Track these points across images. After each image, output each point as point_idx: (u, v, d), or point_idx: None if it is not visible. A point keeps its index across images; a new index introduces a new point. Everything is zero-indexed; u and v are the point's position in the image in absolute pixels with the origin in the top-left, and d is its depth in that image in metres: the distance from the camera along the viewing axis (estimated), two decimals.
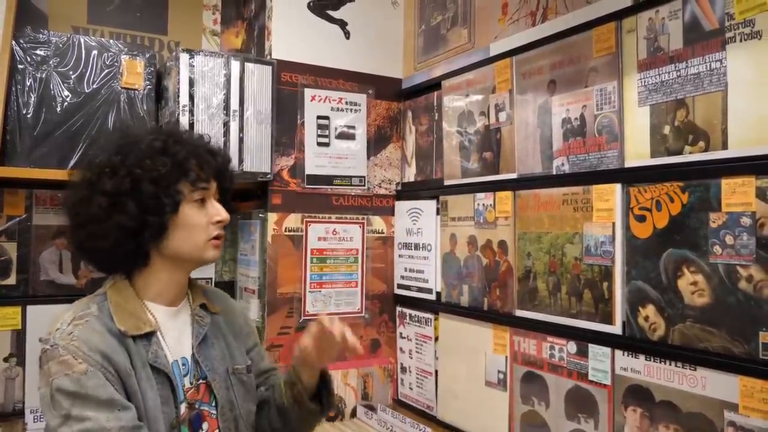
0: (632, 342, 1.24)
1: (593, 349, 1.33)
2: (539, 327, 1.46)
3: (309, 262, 1.88)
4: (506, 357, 1.56)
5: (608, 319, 1.29)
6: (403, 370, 1.99)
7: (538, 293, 1.46)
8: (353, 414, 1.95)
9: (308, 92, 1.90)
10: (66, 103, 1.58)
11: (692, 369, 1.13)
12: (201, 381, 1.12)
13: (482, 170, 1.67)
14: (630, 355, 1.25)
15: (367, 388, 1.98)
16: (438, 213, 1.83)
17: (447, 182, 1.81)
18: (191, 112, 1.64)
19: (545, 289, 1.44)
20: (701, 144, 1.13)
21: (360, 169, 1.98)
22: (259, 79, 1.76)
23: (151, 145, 1.06)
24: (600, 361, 1.31)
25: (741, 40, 1.07)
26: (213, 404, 1.12)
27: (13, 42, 1.53)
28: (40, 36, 1.58)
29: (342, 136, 1.95)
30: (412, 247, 1.95)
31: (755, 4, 1.04)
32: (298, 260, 1.87)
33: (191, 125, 1.63)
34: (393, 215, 2.04)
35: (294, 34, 1.89)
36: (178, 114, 1.62)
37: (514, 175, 1.56)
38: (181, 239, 1.07)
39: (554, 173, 1.44)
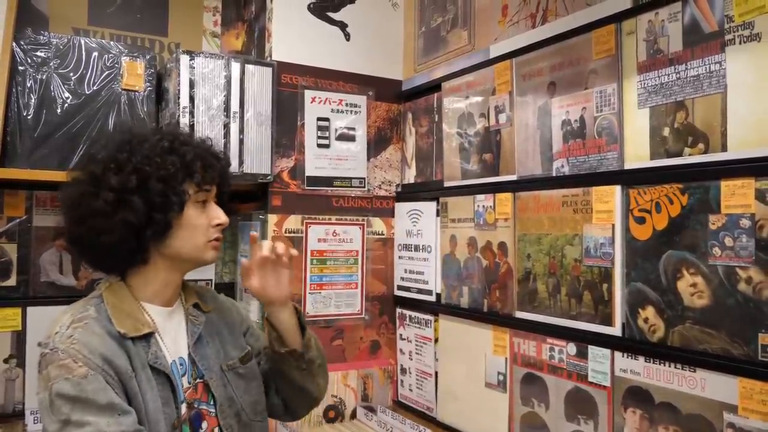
0: (632, 343, 1.24)
1: (593, 350, 1.33)
2: (539, 328, 1.46)
3: (309, 263, 1.89)
4: (506, 358, 1.57)
5: (608, 321, 1.29)
6: (403, 371, 2.00)
7: (538, 295, 1.46)
8: (353, 415, 1.95)
9: (308, 94, 1.90)
10: (66, 105, 1.59)
11: (692, 370, 1.13)
12: (198, 380, 1.12)
13: (482, 172, 1.67)
14: (629, 357, 1.25)
15: (367, 390, 1.98)
16: (438, 214, 1.84)
17: (447, 184, 1.81)
18: (191, 113, 1.64)
19: (545, 290, 1.44)
20: (701, 146, 1.13)
21: (360, 171, 1.98)
22: (260, 80, 1.76)
23: (158, 144, 1.06)
24: (600, 362, 1.31)
25: (740, 43, 1.07)
26: (211, 403, 1.12)
27: (14, 43, 1.53)
28: (41, 37, 1.58)
29: (342, 137, 1.95)
30: (412, 249, 1.95)
31: (754, 6, 1.04)
32: (298, 261, 1.87)
33: (191, 127, 1.63)
34: (393, 217, 2.04)
35: (294, 36, 1.90)
36: (179, 115, 1.62)
37: (513, 177, 1.56)
38: (183, 239, 1.08)
39: (554, 175, 1.44)
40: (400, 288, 2.01)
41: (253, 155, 1.75)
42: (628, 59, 1.28)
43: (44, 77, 1.57)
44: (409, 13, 2.07)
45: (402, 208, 2.02)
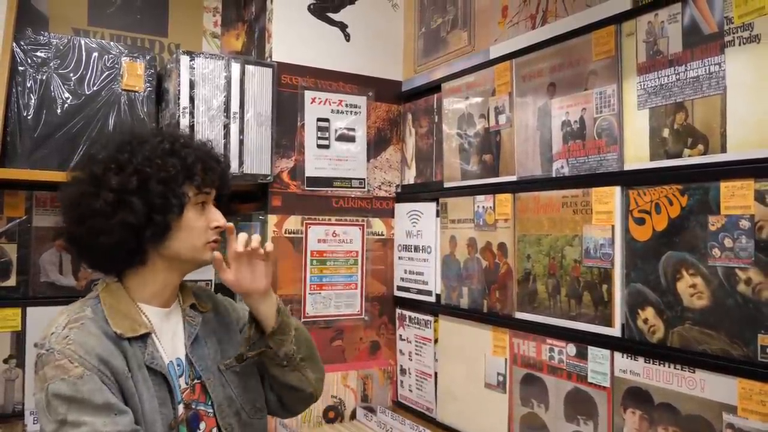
0: (631, 344, 1.24)
1: (592, 351, 1.33)
2: (539, 329, 1.46)
3: (309, 264, 1.89)
4: (506, 359, 1.57)
5: (607, 322, 1.29)
6: (403, 372, 2.00)
7: (538, 295, 1.46)
8: (353, 416, 1.95)
9: (308, 94, 1.90)
10: (66, 105, 1.58)
11: (691, 371, 1.13)
12: (196, 381, 1.12)
13: (482, 172, 1.67)
14: (629, 358, 1.25)
15: (367, 390, 1.98)
16: (438, 215, 1.84)
17: (447, 184, 1.81)
18: (192, 114, 1.64)
19: (545, 291, 1.44)
20: (700, 147, 1.13)
21: (360, 172, 1.98)
22: (260, 81, 1.76)
23: (160, 145, 1.06)
24: (599, 363, 1.31)
25: (740, 44, 1.07)
26: (209, 403, 1.12)
27: (14, 44, 1.53)
28: (41, 38, 1.58)
29: (342, 138, 1.96)
30: (412, 249, 1.95)
31: (754, 8, 1.04)
32: (298, 262, 1.87)
33: (192, 127, 1.63)
34: (393, 217, 2.04)
35: (294, 37, 1.90)
36: (179, 116, 1.62)
37: (513, 178, 1.56)
38: (181, 241, 1.08)
39: (554, 176, 1.44)
40: (399, 288, 2.01)
41: (253, 156, 1.75)
42: (627, 60, 1.28)
43: (44, 77, 1.56)
44: (409, 14, 2.07)
45: (402, 208, 2.02)
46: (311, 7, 1.93)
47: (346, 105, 1.96)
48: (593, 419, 1.33)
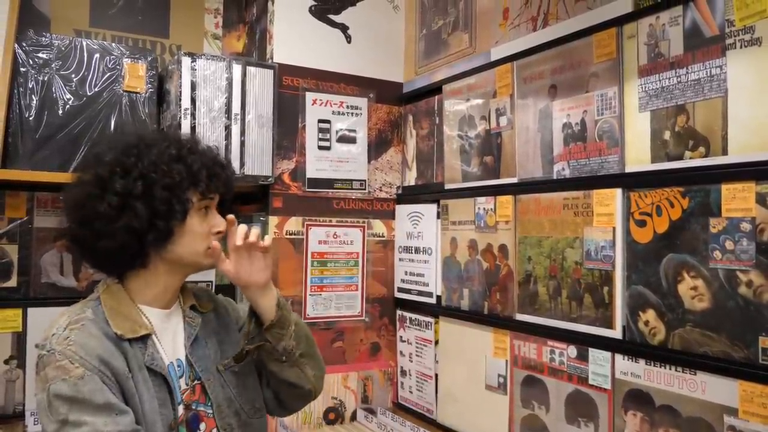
0: (632, 346, 1.24)
1: (593, 353, 1.33)
2: (539, 331, 1.46)
3: (309, 265, 1.89)
4: (506, 361, 1.57)
5: (608, 324, 1.29)
6: (403, 373, 2.00)
7: (539, 297, 1.46)
8: (353, 417, 1.95)
9: (309, 96, 1.91)
10: (68, 106, 1.59)
11: (692, 373, 1.14)
12: (196, 382, 1.12)
13: (483, 174, 1.68)
14: (630, 360, 1.25)
15: (367, 392, 1.98)
16: (438, 217, 1.84)
17: (447, 186, 1.81)
18: (193, 115, 1.64)
19: (545, 293, 1.44)
20: (701, 149, 1.14)
21: (361, 173, 1.98)
22: (261, 82, 1.77)
23: (166, 151, 1.06)
24: (600, 365, 1.31)
25: (741, 47, 1.07)
26: (209, 404, 1.12)
27: (16, 45, 1.53)
28: (43, 39, 1.58)
29: (343, 139, 1.96)
30: (413, 251, 1.95)
31: (755, 11, 1.05)
32: (299, 263, 1.87)
33: (193, 128, 1.64)
34: (393, 219, 2.05)
35: (295, 38, 1.90)
36: (180, 117, 1.63)
37: (514, 180, 1.56)
38: (183, 245, 1.08)
39: (555, 178, 1.44)
40: (400, 290, 2.01)
41: (254, 157, 1.76)
42: (629, 63, 1.28)
43: (46, 78, 1.57)
44: (410, 16, 2.07)
45: (402, 210, 2.02)
46: (312, 8, 1.93)
47: (347, 106, 1.97)
48: (594, 421, 1.33)
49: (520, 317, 1.52)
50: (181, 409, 1.08)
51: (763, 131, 1.04)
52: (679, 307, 1.16)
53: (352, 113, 1.98)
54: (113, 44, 1.69)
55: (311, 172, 1.90)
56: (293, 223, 1.87)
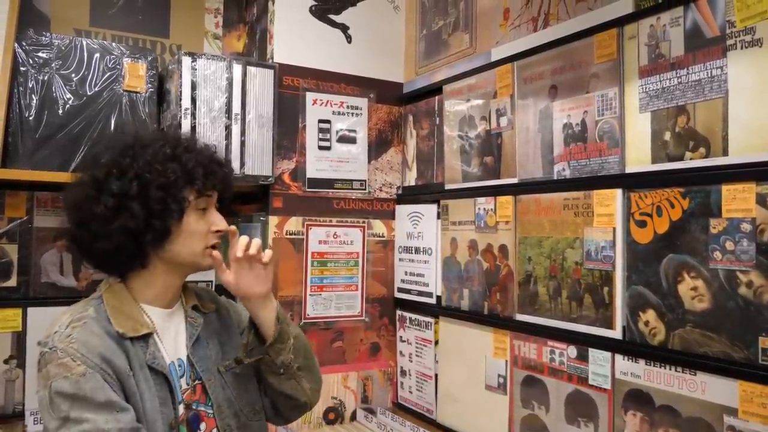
0: (632, 346, 1.25)
1: (593, 353, 1.33)
2: (539, 331, 1.46)
3: (310, 265, 1.89)
4: (506, 361, 1.57)
5: (609, 324, 1.29)
6: (403, 373, 2.00)
7: (539, 297, 1.46)
8: (353, 417, 1.95)
9: (310, 96, 1.91)
10: (68, 106, 1.59)
11: (692, 374, 1.14)
12: (197, 382, 1.12)
13: (483, 174, 1.68)
14: (630, 360, 1.25)
15: (367, 392, 1.98)
16: (439, 217, 1.84)
17: (448, 186, 1.81)
18: (193, 115, 1.64)
19: (546, 293, 1.45)
20: (702, 150, 1.14)
21: (361, 173, 1.98)
22: (261, 82, 1.77)
23: (161, 150, 1.06)
24: (600, 365, 1.32)
25: (742, 48, 1.08)
26: (209, 404, 1.12)
27: (16, 44, 1.53)
28: (43, 38, 1.58)
29: (343, 139, 1.96)
30: (413, 251, 1.96)
31: (756, 12, 1.05)
32: (299, 263, 1.87)
33: (193, 128, 1.64)
34: (394, 219, 2.05)
35: (296, 38, 1.90)
36: (180, 117, 1.63)
37: (515, 180, 1.56)
38: (181, 245, 1.08)
39: (555, 178, 1.44)
40: (400, 290, 2.02)
41: (255, 157, 1.76)
42: (629, 63, 1.28)
43: (46, 78, 1.57)
44: (410, 16, 2.07)
45: (402, 210, 2.02)
46: (313, 8, 1.93)
47: (348, 107, 1.97)
48: (594, 421, 1.33)
49: (520, 317, 1.52)
50: (181, 409, 1.08)
51: (764, 132, 1.04)
52: (679, 308, 1.16)
53: (352, 113, 1.98)
54: (113, 44, 1.69)
55: (311, 172, 1.90)
56: (293, 223, 1.87)
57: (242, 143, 1.72)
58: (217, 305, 1.25)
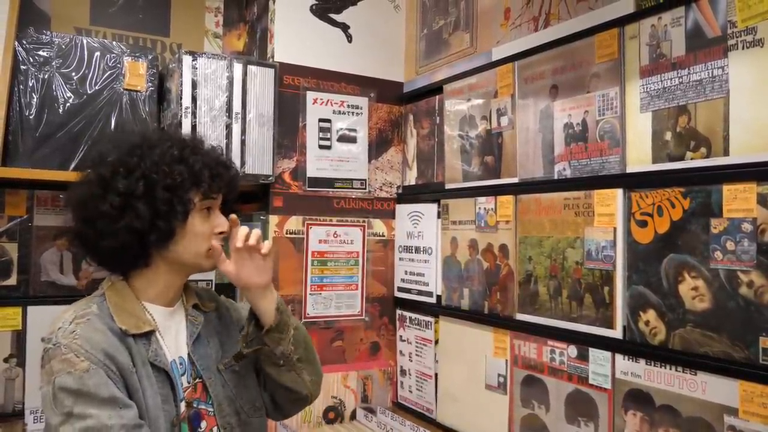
0: (633, 346, 1.25)
1: (594, 353, 1.33)
2: (540, 331, 1.46)
3: (310, 264, 1.89)
4: (506, 360, 1.57)
5: (609, 324, 1.29)
6: (403, 372, 2.00)
7: (539, 297, 1.47)
8: (353, 416, 1.95)
9: (310, 95, 1.91)
10: (68, 104, 1.58)
11: (692, 373, 1.14)
12: (197, 380, 1.13)
13: (483, 174, 1.68)
14: (630, 360, 1.25)
15: (367, 391, 1.98)
16: (439, 216, 1.84)
17: (448, 186, 1.81)
18: (194, 114, 1.64)
19: (546, 293, 1.45)
20: (703, 150, 1.14)
21: (361, 172, 1.98)
22: (262, 81, 1.77)
23: (168, 151, 1.07)
24: (600, 365, 1.32)
25: (743, 48, 1.08)
26: (210, 403, 1.13)
27: (16, 42, 1.53)
28: (43, 37, 1.58)
29: (343, 139, 1.96)
30: (413, 251, 1.95)
31: (758, 12, 1.05)
32: (299, 262, 1.87)
33: (194, 127, 1.63)
34: (394, 218, 2.05)
35: (296, 37, 1.90)
36: (181, 116, 1.62)
37: (515, 180, 1.56)
38: (184, 246, 1.09)
39: (556, 178, 1.44)
40: (400, 290, 2.02)
41: (255, 156, 1.75)
42: (630, 63, 1.28)
43: (46, 77, 1.56)
44: (411, 15, 2.07)
45: (403, 209, 2.02)
46: (313, 7, 1.93)
47: (348, 106, 1.97)
48: (594, 421, 1.33)
49: (521, 317, 1.52)
50: (183, 406, 1.09)
51: (765, 132, 1.04)
52: (680, 308, 1.16)
53: (352, 113, 1.97)
54: (114, 42, 1.69)
55: (312, 172, 1.90)
56: (293, 222, 1.87)
57: (243, 142, 1.72)
58: (217, 304, 1.25)
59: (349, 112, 1.97)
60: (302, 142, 1.89)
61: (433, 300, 1.86)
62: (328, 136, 1.93)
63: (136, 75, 1.68)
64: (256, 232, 1.12)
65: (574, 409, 1.38)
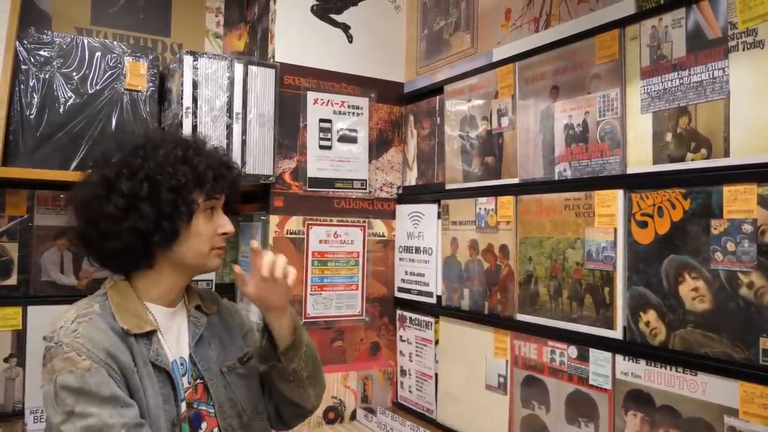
0: (633, 347, 1.25)
1: (594, 353, 1.33)
2: (540, 331, 1.46)
3: (310, 264, 1.89)
4: (507, 361, 1.57)
5: (609, 324, 1.29)
6: (403, 373, 2.00)
7: (539, 298, 1.47)
8: (353, 416, 1.95)
9: (311, 95, 1.91)
10: (69, 104, 1.59)
11: (693, 374, 1.14)
12: (198, 381, 1.13)
13: (484, 175, 1.68)
14: (631, 360, 1.26)
15: (367, 391, 1.99)
16: (439, 217, 1.84)
17: (448, 186, 1.81)
18: (194, 114, 1.64)
19: (546, 293, 1.45)
20: (703, 151, 1.14)
21: (361, 173, 1.98)
22: (262, 81, 1.77)
23: (172, 152, 1.07)
24: (601, 365, 1.32)
25: (744, 49, 1.08)
26: (211, 404, 1.13)
27: (17, 42, 1.53)
28: (44, 37, 1.58)
29: (344, 139, 1.96)
30: (413, 251, 1.96)
31: (758, 13, 1.05)
32: (300, 263, 1.87)
33: (194, 127, 1.63)
34: (394, 218, 2.05)
35: (297, 38, 1.90)
36: (182, 116, 1.62)
37: (515, 180, 1.56)
38: (188, 246, 1.09)
39: (556, 178, 1.44)
40: (400, 290, 2.02)
41: (256, 156, 1.75)
42: (631, 64, 1.28)
43: (47, 76, 1.57)
44: (411, 16, 2.07)
45: (403, 210, 2.02)
46: (314, 8, 1.93)
47: (349, 106, 1.97)
48: (594, 421, 1.33)
49: (521, 317, 1.52)
50: (183, 407, 1.09)
51: (765, 133, 1.04)
52: (680, 308, 1.16)
53: (353, 113, 1.98)
54: (114, 42, 1.69)
55: (312, 172, 1.90)
56: (294, 223, 1.87)
57: (243, 142, 1.72)
58: (219, 307, 1.26)
59: (349, 112, 1.97)
60: (303, 142, 1.89)
61: (433, 300, 1.86)
62: (329, 137, 1.93)
63: (137, 75, 1.68)
64: (282, 262, 1.12)
65: (575, 409, 1.38)
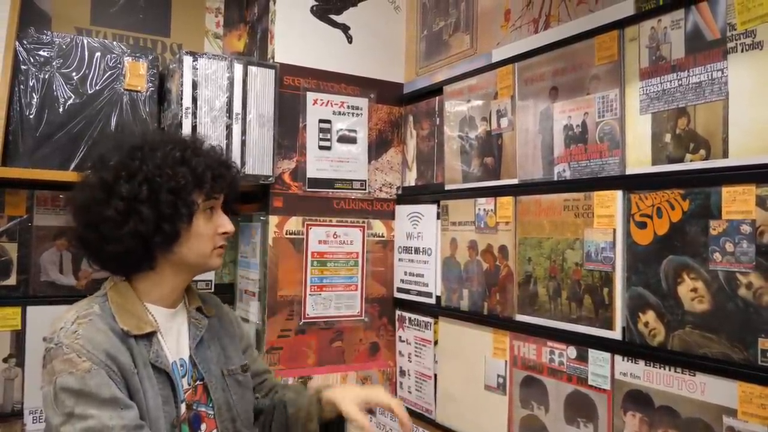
0: (632, 347, 1.25)
1: (593, 354, 1.34)
2: (539, 332, 1.47)
3: (309, 265, 1.89)
4: (506, 361, 1.57)
5: (608, 325, 1.30)
6: (402, 373, 2.00)
7: (539, 298, 1.47)
8: None
9: (310, 96, 1.91)
10: (68, 104, 1.59)
11: (691, 374, 1.14)
12: (198, 382, 1.13)
13: (483, 175, 1.68)
14: (630, 361, 1.26)
15: None
16: (438, 217, 1.84)
17: (448, 187, 1.81)
18: (194, 114, 1.64)
19: (545, 294, 1.45)
20: (702, 152, 1.14)
21: (361, 173, 1.98)
22: (262, 82, 1.77)
23: (170, 153, 1.07)
24: (600, 366, 1.32)
25: (742, 50, 1.08)
26: (210, 405, 1.13)
27: (17, 42, 1.53)
28: (44, 37, 1.58)
29: (343, 139, 1.96)
30: (413, 251, 1.96)
31: (757, 15, 1.05)
32: (299, 263, 1.87)
33: (194, 128, 1.64)
34: (393, 219, 2.05)
35: (297, 38, 1.90)
36: (181, 116, 1.63)
37: (515, 181, 1.57)
38: (189, 247, 1.09)
39: (555, 179, 1.45)
40: (399, 290, 2.02)
41: (255, 157, 1.76)
42: (630, 65, 1.29)
43: (47, 77, 1.57)
44: (411, 16, 2.07)
45: (402, 210, 2.02)
46: (314, 8, 1.93)
47: (348, 107, 1.97)
48: (593, 422, 1.33)
49: (520, 318, 1.53)
50: (183, 408, 1.09)
51: (764, 134, 1.05)
52: (679, 309, 1.16)
53: (352, 113, 1.98)
54: (114, 42, 1.69)
55: (312, 172, 1.90)
56: (293, 223, 1.87)
57: (243, 143, 1.73)
58: (219, 312, 1.27)
59: (349, 112, 1.97)
60: (302, 142, 1.89)
61: (432, 301, 1.86)
62: (328, 137, 1.94)
63: (137, 75, 1.68)
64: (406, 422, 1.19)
65: (574, 409, 1.38)
